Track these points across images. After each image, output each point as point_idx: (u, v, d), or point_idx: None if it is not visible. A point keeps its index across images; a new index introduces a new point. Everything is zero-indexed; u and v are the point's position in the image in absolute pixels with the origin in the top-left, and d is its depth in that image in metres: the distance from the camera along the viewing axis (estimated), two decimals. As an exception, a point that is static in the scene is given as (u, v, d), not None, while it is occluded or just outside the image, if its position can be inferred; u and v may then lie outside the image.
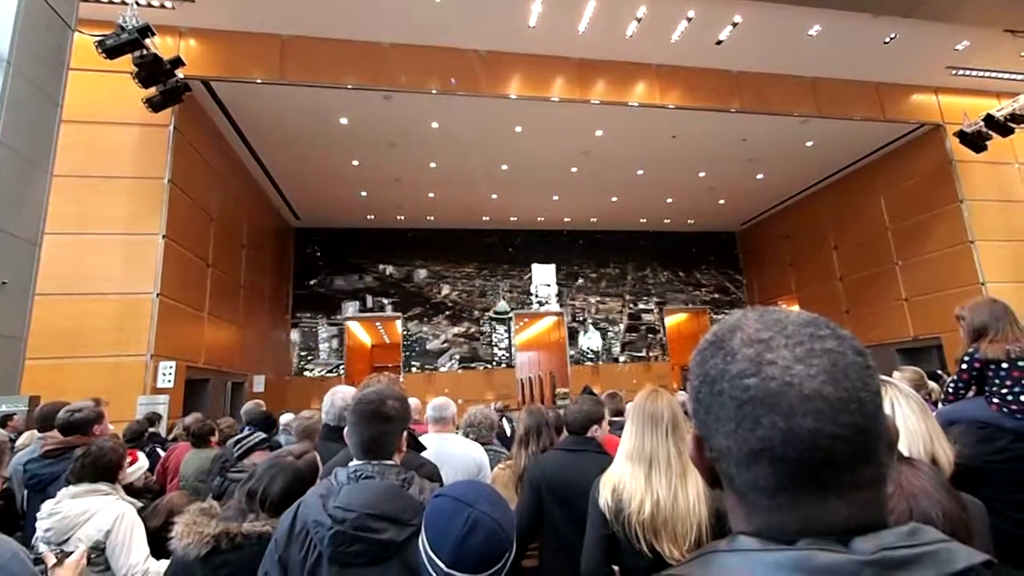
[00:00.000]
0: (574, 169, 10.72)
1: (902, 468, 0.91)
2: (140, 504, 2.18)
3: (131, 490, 2.53)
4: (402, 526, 1.20)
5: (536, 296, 14.28)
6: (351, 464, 1.36)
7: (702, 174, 11.38)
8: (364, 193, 11.41)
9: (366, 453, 1.36)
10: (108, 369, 6.05)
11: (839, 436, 0.41)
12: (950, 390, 2.14)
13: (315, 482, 1.59)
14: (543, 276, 14.44)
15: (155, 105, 6.14)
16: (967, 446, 1.49)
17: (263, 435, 3.32)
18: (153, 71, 5.86)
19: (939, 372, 5.91)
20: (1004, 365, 1.96)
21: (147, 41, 5.62)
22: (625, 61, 8.20)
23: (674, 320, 15.88)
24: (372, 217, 12.86)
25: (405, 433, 1.47)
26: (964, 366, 2.06)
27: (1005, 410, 1.92)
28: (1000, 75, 8.95)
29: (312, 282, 13.03)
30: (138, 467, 2.87)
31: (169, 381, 6.35)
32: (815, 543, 0.40)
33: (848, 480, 0.42)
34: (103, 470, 2.06)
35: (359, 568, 1.18)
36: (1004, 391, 1.96)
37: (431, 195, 11.67)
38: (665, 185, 11.92)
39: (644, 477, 1.50)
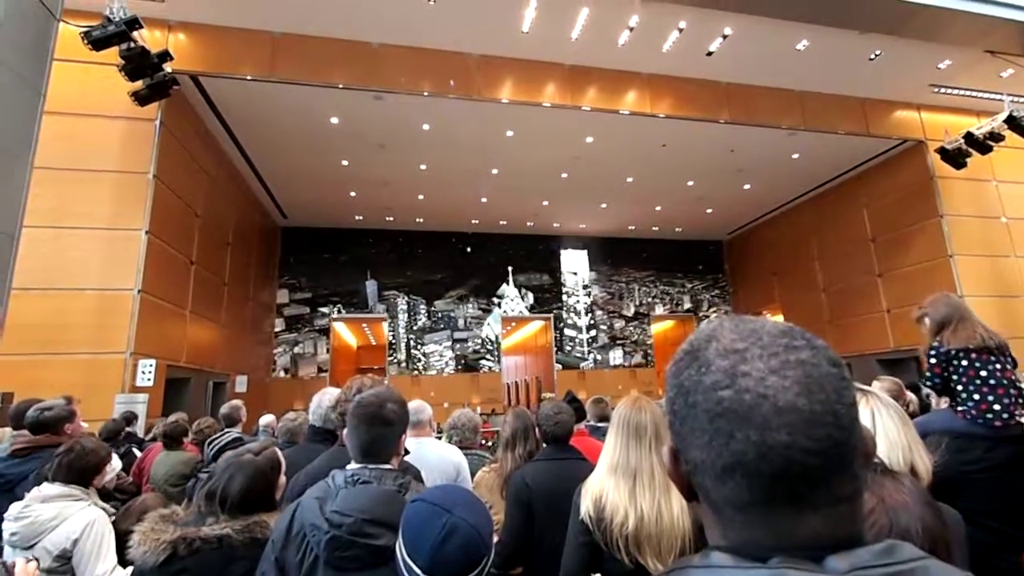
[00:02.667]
0: (564, 175, 10.77)
1: (884, 481, 0.92)
2: (113, 511, 2.11)
3: (102, 493, 2.47)
4: (398, 532, 1.20)
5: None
6: (348, 467, 1.36)
7: (691, 183, 11.50)
8: (353, 193, 11.34)
9: (364, 456, 1.36)
10: (86, 366, 5.90)
11: (813, 450, 0.40)
12: (936, 383, 2.17)
13: (278, 478, 1.57)
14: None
15: (141, 99, 6.04)
16: (945, 458, 1.52)
17: (236, 434, 3.25)
18: (140, 64, 5.76)
19: (919, 383, 6.01)
20: (964, 362, 2.01)
21: (135, 34, 5.54)
22: (616, 69, 8.26)
23: (660, 327, 15.99)
24: (361, 218, 12.78)
25: (403, 437, 1.46)
26: (932, 360, 2.11)
27: (968, 417, 1.96)
28: (980, 95, 9.18)
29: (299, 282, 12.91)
30: (109, 468, 2.79)
31: (149, 380, 6.23)
32: (787, 561, 0.39)
33: (823, 495, 0.41)
34: (81, 472, 2.00)
35: (354, 573, 1.19)
36: (959, 387, 2.00)
37: (420, 197, 11.64)
38: (654, 193, 12.02)
39: (628, 491, 1.49)
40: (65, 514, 1.88)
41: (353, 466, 1.35)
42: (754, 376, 0.43)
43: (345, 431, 1.42)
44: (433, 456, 2.44)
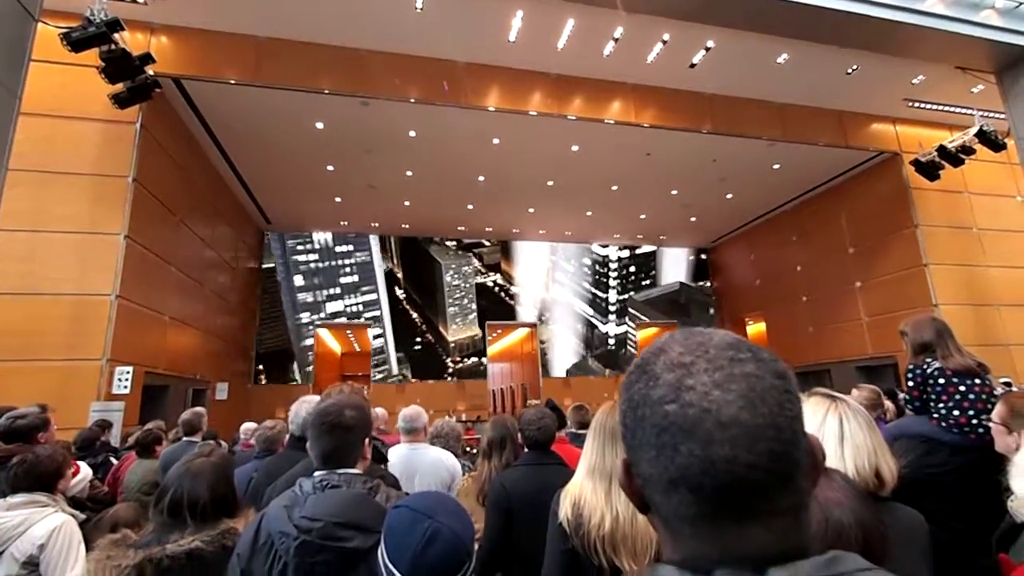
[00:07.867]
0: (550, 183, 10.84)
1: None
2: (83, 516, 2.07)
3: (73, 502, 2.42)
4: (369, 534, 1.19)
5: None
6: (316, 474, 1.35)
7: (674, 192, 11.66)
8: (338, 199, 11.28)
9: (328, 462, 1.36)
10: (60, 373, 5.76)
11: (755, 464, 0.40)
12: (916, 405, 2.23)
13: (232, 476, 1.56)
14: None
15: (122, 101, 5.95)
16: (910, 460, 1.56)
17: (213, 444, 3.21)
18: (121, 67, 5.68)
19: (895, 389, 6.15)
20: (941, 381, 2.07)
21: (116, 36, 5.46)
22: (602, 79, 8.37)
23: (646, 333, 16.10)
24: (346, 223, 12.71)
25: (368, 441, 1.47)
26: (911, 383, 2.17)
27: (943, 425, 2.02)
28: (952, 109, 9.48)
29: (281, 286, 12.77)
30: (80, 479, 2.72)
31: (125, 387, 6.09)
32: (730, 574, 0.40)
33: (766, 508, 0.41)
34: (37, 479, 1.96)
35: None
36: (940, 405, 2.06)
37: (406, 203, 11.62)
38: (639, 201, 12.16)
39: (604, 493, 1.51)
40: (31, 520, 1.84)
41: (320, 472, 1.35)
42: (698, 390, 0.43)
43: (308, 443, 1.42)
44: (428, 462, 2.44)
